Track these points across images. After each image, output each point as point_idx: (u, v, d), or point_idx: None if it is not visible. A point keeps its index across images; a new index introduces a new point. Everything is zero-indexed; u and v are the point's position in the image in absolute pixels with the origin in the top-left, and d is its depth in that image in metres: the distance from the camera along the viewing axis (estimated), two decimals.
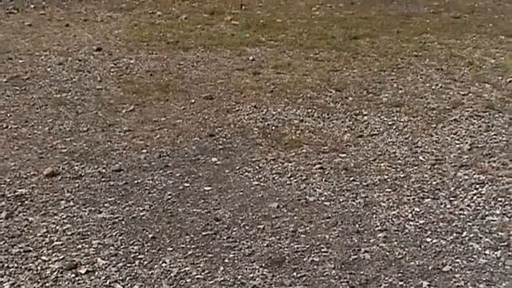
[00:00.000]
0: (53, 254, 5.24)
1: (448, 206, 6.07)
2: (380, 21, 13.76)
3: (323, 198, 6.21)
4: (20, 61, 11.08)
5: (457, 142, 7.59)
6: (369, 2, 15.63)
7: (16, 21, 13.95)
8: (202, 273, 4.99)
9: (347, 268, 5.06)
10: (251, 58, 11.07)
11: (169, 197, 6.22)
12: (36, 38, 12.51)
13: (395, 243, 5.42)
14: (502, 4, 15.56)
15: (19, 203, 6.11)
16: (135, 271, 5.02)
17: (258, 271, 5.02)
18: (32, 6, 15.36)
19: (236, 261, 5.16)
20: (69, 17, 14.23)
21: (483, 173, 6.76)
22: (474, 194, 6.30)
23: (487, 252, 5.30)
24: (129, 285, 4.87)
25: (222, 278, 4.93)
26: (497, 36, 12.59)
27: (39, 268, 5.07)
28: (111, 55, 11.34)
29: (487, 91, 9.52)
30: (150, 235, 5.52)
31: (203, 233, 5.56)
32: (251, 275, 4.98)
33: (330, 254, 5.24)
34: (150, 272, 5.01)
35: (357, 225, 5.71)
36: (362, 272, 5.02)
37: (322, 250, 5.31)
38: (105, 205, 6.08)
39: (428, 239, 5.49)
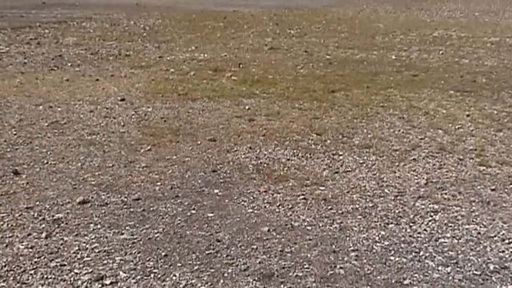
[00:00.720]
0: (84, 268, 5.24)
1: (408, 230, 6.07)
2: (353, 78, 13.77)
3: (306, 224, 6.20)
4: (59, 109, 11.09)
5: (415, 177, 7.59)
6: (344, 62, 15.68)
7: (56, 76, 13.97)
8: (206, 285, 4.98)
9: (325, 282, 5.05)
10: (247, 107, 11.08)
11: (179, 222, 6.20)
12: (72, 91, 12.52)
13: (365, 260, 5.41)
14: (451, 65, 15.62)
15: (56, 226, 6.10)
16: (150, 283, 5.01)
17: (252, 284, 5.02)
18: (69, 64, 15.40)
19: (234, 275, 5.15)
20: (99, 73, 14.25)
21: (436, 203, 6.76)
22: (430, 221, 6.30)
23: (440, 268, 5.30)
24: None
25: None
26: (448, 91, 12.62)
27: (72, 279, 5.07)
28: (132, 104, 11.35)
29: (440, 136, 9.54)
30: (163, 253, 5.51)
31: (207, 252, 5.54)
32: (246, 287, 4.98)
33: (312, 270, 5.23)
34: (163, 284, 5.00)
35: (334, 246, 5.69)
36: (337, 285, 5.01)
37: (305, 266, 5.30)
38: (126, 228, 6.06)
39: (392, 258, 5.48)
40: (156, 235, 5.90)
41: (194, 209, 6.55)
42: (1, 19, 25.66)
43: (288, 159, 8.29)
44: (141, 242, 5.75)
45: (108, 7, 30.18)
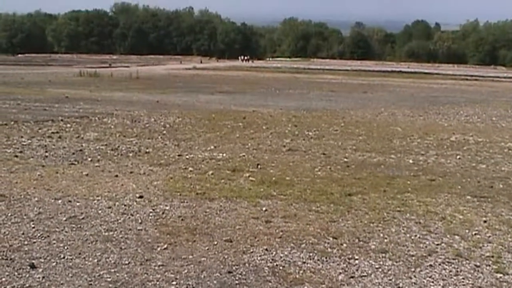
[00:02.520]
0: None
1: None
2: (370, 181, 13.80)
3: None
4: (78, 203, 11.18)
5: (432, 284, 7.56)
6: (362, 165, 15.73)
7: (76, 171, 14.10)
8: None
9: None
10: (264, 209, 11.11)
11: None
12: (91, 186, 12.62)
13: None
14: (469, 170, 15.64)
15: None
16: None
17: None
18: (89, 159, 15.54)
19: None
20: (118, 169, 14.36)
21: None
22: None
23: None
24: None
25: None
26: (465, 196, 12.63)
27: None
28: (150, 202, 11.42)
29: (456, 241, 9.52)
30: None
31: None
32: None
33: None
34: None
35: None
36: None
37: None
38: None
39: None
40: None
41: None
42: (25, 112, 26.03)
43: (304, 262, 8.28)
44: None
45: (129, 104, 30.57)
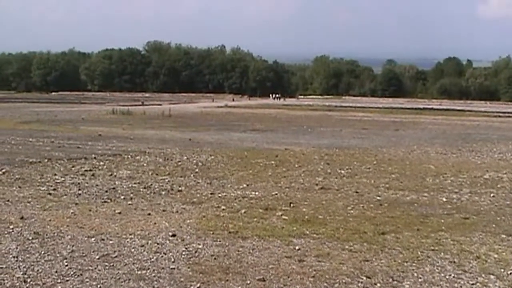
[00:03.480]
0: None
1: None
2: (404, 220, 13.72)
3: None
4: (110, 242, 11.24)
5: None
6: (395, 204, 15.65)
7: (109, 209, 14.18)
8: None
9: None
10: (297, 247, 11.09)
11: None
12: (124, 224, 12.68)
13: None
14: (503, 208, 15.50)
15: None
16: None
17: None
18: (122, 197, 15.62)
19: None
20: (151, 208, 14.41)
21: None
22: None
23: None
24: None
25: None
26: (500, 235, 12.51)
27: None
28: (183, 240, 11.44)
29: (492, 281, 9.43)
30: None
31: None
32: None
33: None
34: None
35: None
36: None
37: None
38: None
39: None
40: None
41: None
42: (58, 149, 26.26)
43: None
44: None
45: (162, 142, 30.74)
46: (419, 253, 10.99)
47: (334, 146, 30.65)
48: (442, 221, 13.80)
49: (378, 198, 16.38)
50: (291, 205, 15.08)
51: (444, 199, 16.45)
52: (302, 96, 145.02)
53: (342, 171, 21.16)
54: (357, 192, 17.14)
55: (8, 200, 15.01)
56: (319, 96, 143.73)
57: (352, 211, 14.60)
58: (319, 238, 11.84)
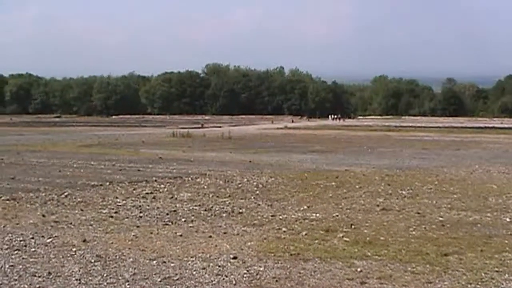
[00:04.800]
0: None
1: None
2: (467, 241, 13.53)
3: None
4: (172, 264, 11.30)
5: None
6: (457, 224, 15.44)
7: (170, 231, 14.26)
8: None
9: None
10: (359, 269, 11.02)
11: None
12: (185, 246, 12.75)
13: None
14: None
15: None
16: None
17: None
18: (183, 219, 15.70)
19: None
20: (212, 230, 14.46)
21: None
22: None
23: None
24: None
25: None
26: None
27: None
28: (244, 263, 11.45)
29: None
30: None
31: None
32: None
33: None
34: None
35: None
36: None
37: None
38: None
39: None
40: None
41: None
42: (119, 172, 26.56)
43: None
44: None
45: (222, 164, 30.86)
46: (483, 274, 10.83)
47: (395, 166, 30.41)
48: (506, 241, 13.57)
49: (440, 219, 16.18)
50: (352, 226, 14.99)
51: (508, 219, 16.17)
52: (361, 117, 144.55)
53: (403, 192, 20.97)
54: (418, 213, 16.96)
55: (70, 223, 15.22)
56: (379, 116, 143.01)
57: (414, 232, 14.45)
58: (381, 260, 11.75)
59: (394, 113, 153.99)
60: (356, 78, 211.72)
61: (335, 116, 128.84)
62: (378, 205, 18.08)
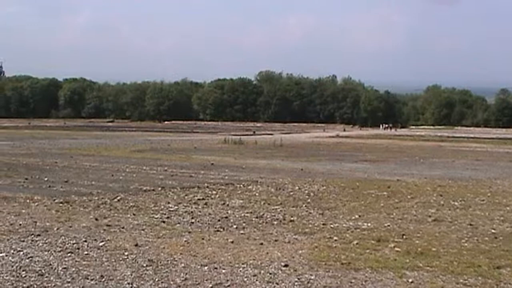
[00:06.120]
0: None
1: None
2: None
3: None
4: (223, 271, 11.34)
5: None
6: (510, 237, 15.21)
7: (222, 238, 14.31)
8: None
9: None
10: (410, 280, 10.94)
11: None
12: (236, 253, 12.78)
13: None
14: None
15: None
16: None
17: None
18: (234, 226, 15.75)
19: None
20: (263, 237, 14.47)
21: None
22: None
23: None
24: None
25: None
26: None
27: None
28: (295, 271, 11.44)
29: None
30: None
31: None
32: None
33: None
34: None
35: None
36: None
37: None
38: None
39: None
40: None
41: None
42: (171, 178, 26.75)
43: None
44: None
45: (273, 171, 30.89)
46: None
47: (447, 177, 30.13)
48: None
49: (493, 231, 15.99)
50: (404, 237, 14.88)
51: None
52: (413, 126, 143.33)
53: (456, 203, 20.76)
54: (471, 224, 16.78)
55: (123, 227, 15.37)
56: (431, 126, 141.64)
57: (466, 244, 14.29)
58: (432, 271, 11.64)
59: (446, 123, 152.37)
60: (408, 87, 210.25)
61: (387, 125, 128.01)
62: (430, 216, 17.93)
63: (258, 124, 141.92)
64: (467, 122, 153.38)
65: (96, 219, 16.35)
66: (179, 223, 16.12)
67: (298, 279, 10.90)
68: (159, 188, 22.91)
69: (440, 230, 15.92)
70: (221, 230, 15.33)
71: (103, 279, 10.74)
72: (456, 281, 11.00)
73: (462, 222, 17.15)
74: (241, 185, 24.32)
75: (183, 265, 11.76)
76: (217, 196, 21.27)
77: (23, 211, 17.49)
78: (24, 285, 10.38)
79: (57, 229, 15.05)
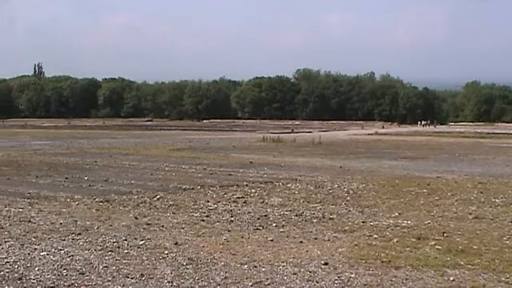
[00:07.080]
0: None
1: None
2: None
3: None
4: (263, 269, 11.34)
5: None
6: None
7: (261, 236, 14.30)
8: None
9: None
10: (451, 278, 10.85)
11: None
12: (276, 251, 12.77)
13: None
14: None
15: None
16: None
17: None
18: (274, 224, 15.73)
19: None
20: (303, 235, 14.44)
21: None
22: None
23: None
24: None
25: None
26: None
27: None
28: (335, 269, 11.40)
29: None
30: None
31: None
32: None
33: None
34: None
35: None
36: None
37: None
38: None
39: None
40: None
41: None
42: (210, 176, 26.83)
43: None
44: None
45: (312, 169, 30.81)
46: None
47: (488, 174, 29.83)
48: None
49: None
50: (445, 234, 14.75)
51: None
52: (452, 123, 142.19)
53: (497, 200, 20.54)
54: None
55: (162, 226, 15.44)
56: (470, 123, 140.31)
57: (507, 242, 14.13)
58: (474, 269, 11.53)
59: (486, 119, 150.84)
60: (447, 84, 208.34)
61: (425, 122, 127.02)
62: (470, 213, 17.76)
63: (297, 122, 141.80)
64: (507, 118, 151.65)
65: (136, 218, 16.45)
66: (218, 221, 16.15)
67: (338, 277, 10.86)
68: (198, 187, 22.98)
69: (481, 227, 15.76)
70: (261, 228, 15.33)
71: (143, 278, 10.80)
72: (498, 279, 10.89)
73: (503, 219, 16.96)
74: (280, 183, 24.30)
75: (222, 263, 11.77)
76: (256, 194, 21.28)
77: (64, 210, 17.65)
78: (66, 284, 10.47)
79: (97, 228, 15.17)
